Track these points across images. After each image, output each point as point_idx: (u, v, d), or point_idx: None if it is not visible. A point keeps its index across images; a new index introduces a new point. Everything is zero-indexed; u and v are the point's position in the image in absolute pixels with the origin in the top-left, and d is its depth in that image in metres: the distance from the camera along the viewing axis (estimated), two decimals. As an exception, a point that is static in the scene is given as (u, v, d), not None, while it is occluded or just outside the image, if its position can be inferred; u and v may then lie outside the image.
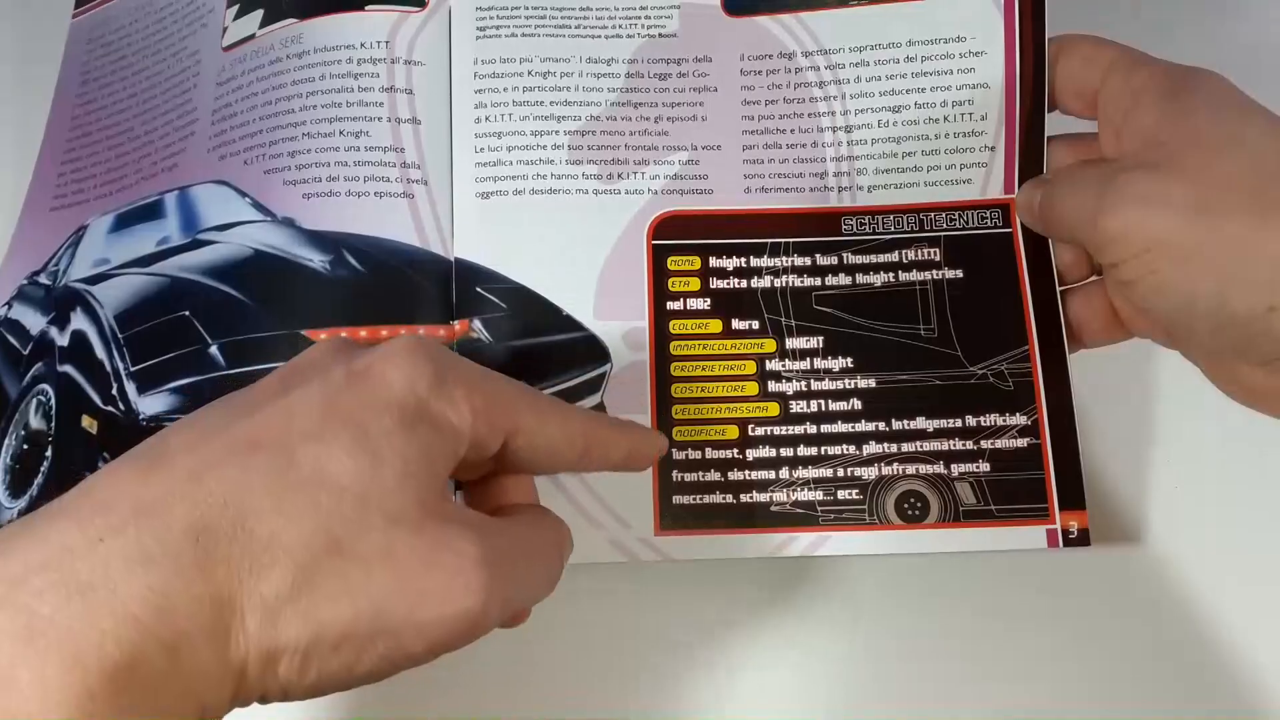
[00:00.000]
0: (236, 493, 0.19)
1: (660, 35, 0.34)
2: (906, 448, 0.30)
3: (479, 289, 0.31)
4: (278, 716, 0.29)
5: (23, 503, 0.32)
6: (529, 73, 0.33)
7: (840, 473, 0.30)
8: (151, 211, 0.35)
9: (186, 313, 0.32)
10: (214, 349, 0.31)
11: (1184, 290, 0.24)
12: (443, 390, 0.22)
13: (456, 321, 0.31)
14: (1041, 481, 0.29)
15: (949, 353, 0.30)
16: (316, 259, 0.32)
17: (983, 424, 0.30)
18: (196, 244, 0.33)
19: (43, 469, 0.32)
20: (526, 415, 0.23)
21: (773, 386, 0.30)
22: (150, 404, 0.31)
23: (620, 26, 0.34)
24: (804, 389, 0.30)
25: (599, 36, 0.34)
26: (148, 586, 0.18)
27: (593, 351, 0.31)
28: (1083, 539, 0.28)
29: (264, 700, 0.20)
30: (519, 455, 0.24)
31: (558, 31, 0.34)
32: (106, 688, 0.17)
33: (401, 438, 0.21)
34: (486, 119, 0.33)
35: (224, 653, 0.19)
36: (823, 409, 0.30)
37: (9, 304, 0.35)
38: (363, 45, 0.34)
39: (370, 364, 0.22)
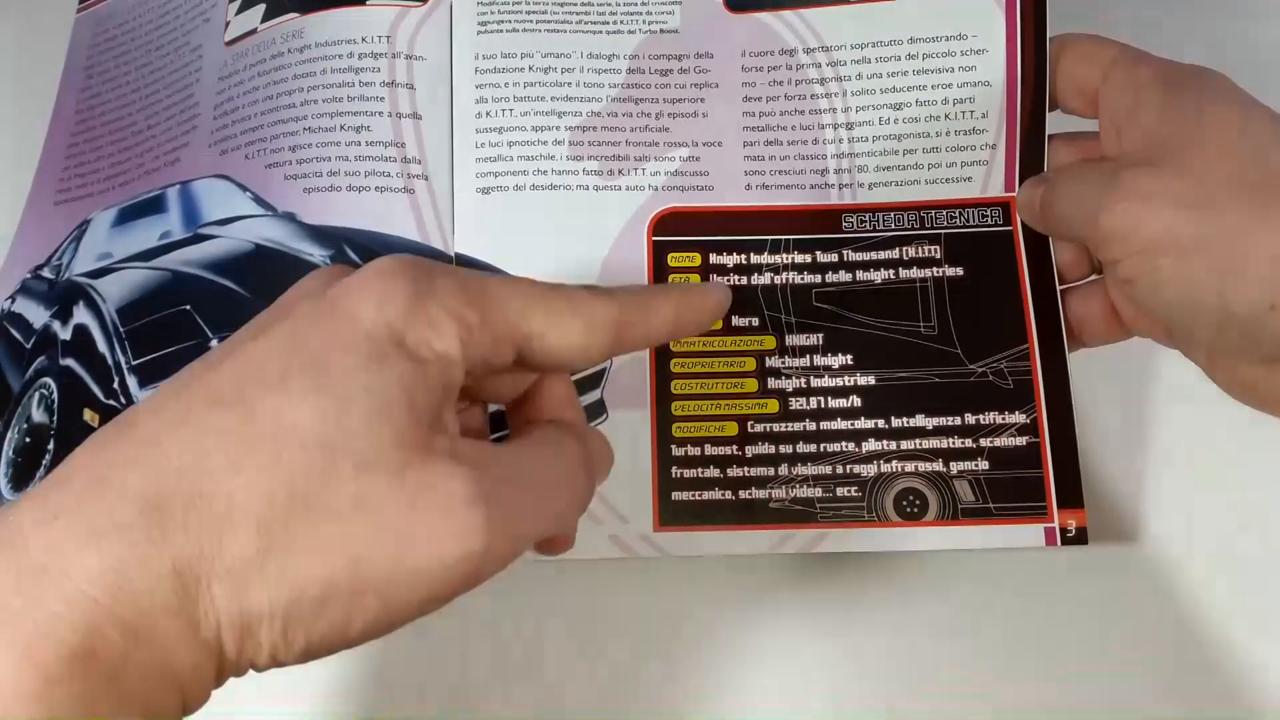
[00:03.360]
0: (194, 455, 0.17)
1: (662, 31, 0.32)
2: (906, 445, 0.28)
3: None
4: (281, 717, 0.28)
5: (24, 496, 0.31)
6: (530, 68, 0.32)
7: (839, 470, 0.28)
8: (153, 206, 0.34)
9: (188, 307, 0.31)
10: (215, 343, 0.30)
11: (1185, 288, 0.23)
12: (420, 313, 0.19)
13: None
14: (1040, 480, 0.28)
15: (949, 350, 0.29)
16: (317, 254, 0.30)
17: (982, 422, 0.28)
18: (198, 238, 0.32)
19: (44, 462, 0.31)
20: (535, 317, 0.21)
21: (772, 383, 0.29)
22: (151, 398, 0.30)
23: (622, 22, 0.32)
24: (803, 386, 0.29)
25: (600, 32, 0.32)
26: (99, 563, 0.16)
27: None
28: (1080, 538, 0.27)
29: (256, 669, 0.18)
30: (541, 361, 0.21)
31: (559, 27, 0.32)
32: (64, 673, 0.16)
33: (369, 374, 0.18)
34: (487, 114, 0.31)
35: (193, 628, 0.17)
36: (822, 406, 0.29)
37: (13, 298, 0.33)
38: (364, 40, 0.32)
39: (339, 295, 0.19)
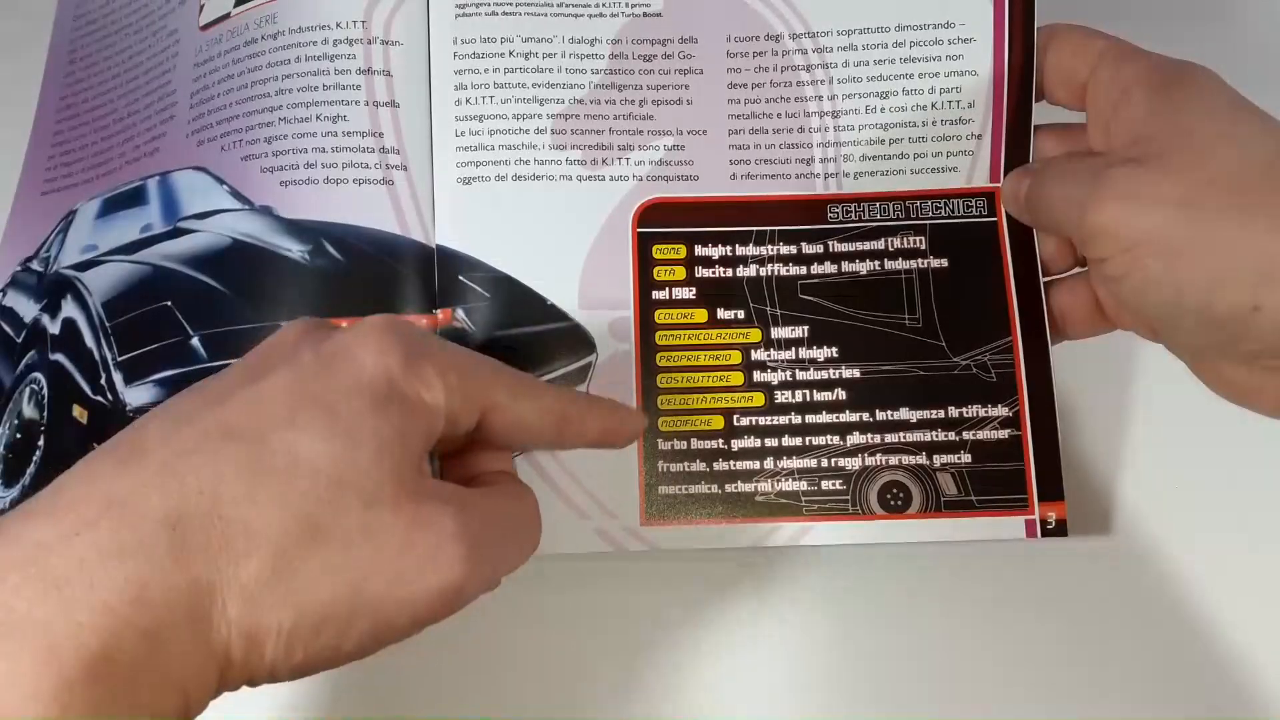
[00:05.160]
0: (211, 481, 0.18)
1: (645, 15, 0.31)
2: (890, 438, 0.28)
3: (461, 277, 0.29)
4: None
5: (15, 492, 0.30)
6: (510, 53, 0.30)
7: (824, 463, 0.28)
8: (135, 198, 0.32)
9: (169, 303, 0.30)
10: (195, 340, 0.29)
11: (1170, 287, 0.23)
12: (414, 369, 0.21)
13: (439, 310, 0.29)
14: (1021, 473, 0.27)
15: (933, 343, 0.28)
16: (295, 249, 0.29)
17: (965, 415, 0.28)
18: (177, 232, 0.31)
19: (35, 458, 0.30)
20: (501, 392, 0.23)
21: (758, 376, 0.28)
22: (136, 395, 0.30)
23: (603, 5, 0.30)
24: (789, 379, 0.28)
25: (581, 16, 0.30)
26: (124, 578, 0.17)
27: (578, 342, 0.29)
28: (1060, 530, 0.27)
29: (252, 683, 0.19)
30: (495, 431, 0.23)
31: (540, 10, 0.31)
32: (84, 678, 0.16)
33: (375, 418, 0.20)
34: (467, 101, 0.30)
35: (206, 639, 0.18)
36: (807, 399, 0.28)
37: (3, 291, 0.32)
38: (338, 25, 0.31)
39: (340, 346, 0.21)
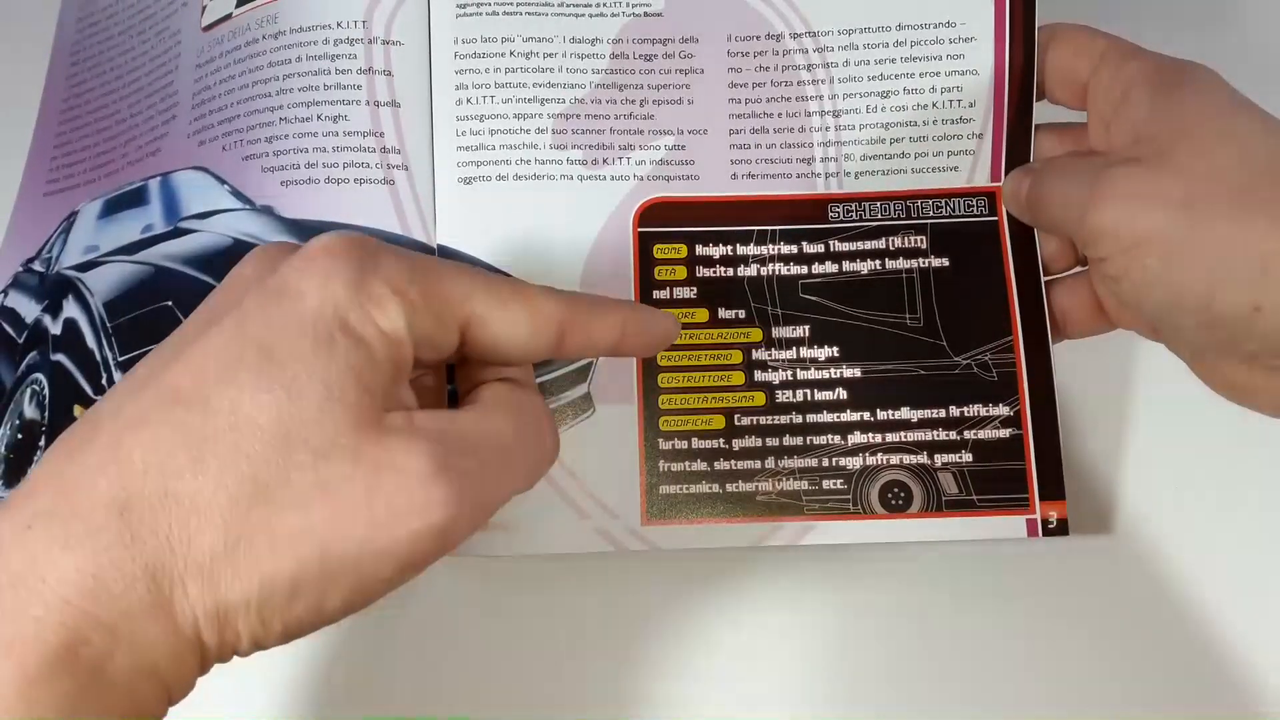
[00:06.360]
0: (157, 456, 0.17)
1: (645, 14, 0.31)
2: (891, 438, 0.27)
3: None
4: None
5: (17, 493, 0.30)
6: (511, 53, 0.30)
7: (825, 462, 0.28)
8: (136, 198, 0.32)
9: (170, 303, 0.30)
10: None
11: (1170, 287, 0.22)
12: (364, 293, 0.19)
13: None
14: (1023, 472, 0.27)
15: (934, 343, 0.28)
16: None
17: (966, 414, 0.27)
18: (178, 232, 0.31)
19: (36, 459, 0.30)
20: (481, 302, 0.20)
21: (759, 376, 0.28)
22: (138, 395, 0.30)
23: (604, 4, 0.30)
24: (790, 379, 0.28)
25: (582, 15, 0.30)
26: (75, 569, 0.16)
27: None
28: (1061, 529, 0.27)
29: (240, 655, 0.18)
30: (482, 346, 0.21)
31: (540, 9, 0.30)
32: (46, 674, 0.16)
33: (318, 360, 0.18)
34: (468, 101, 0.30)
35: (172, 624, 0.17)
36: (808, 399, 0.28)
37: (5, 292, 0.32)
38: (339, 25, 0.30)
39: (282, 279, 0.19)
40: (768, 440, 0.28)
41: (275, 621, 0.18)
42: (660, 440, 0.28)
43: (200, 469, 0.17)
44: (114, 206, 0.32)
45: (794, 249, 0.29)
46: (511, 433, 0.21)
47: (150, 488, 0.17)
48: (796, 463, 0.28)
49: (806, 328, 0.29)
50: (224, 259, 0.30)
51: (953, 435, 0.28)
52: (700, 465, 0.28)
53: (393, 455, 0.18)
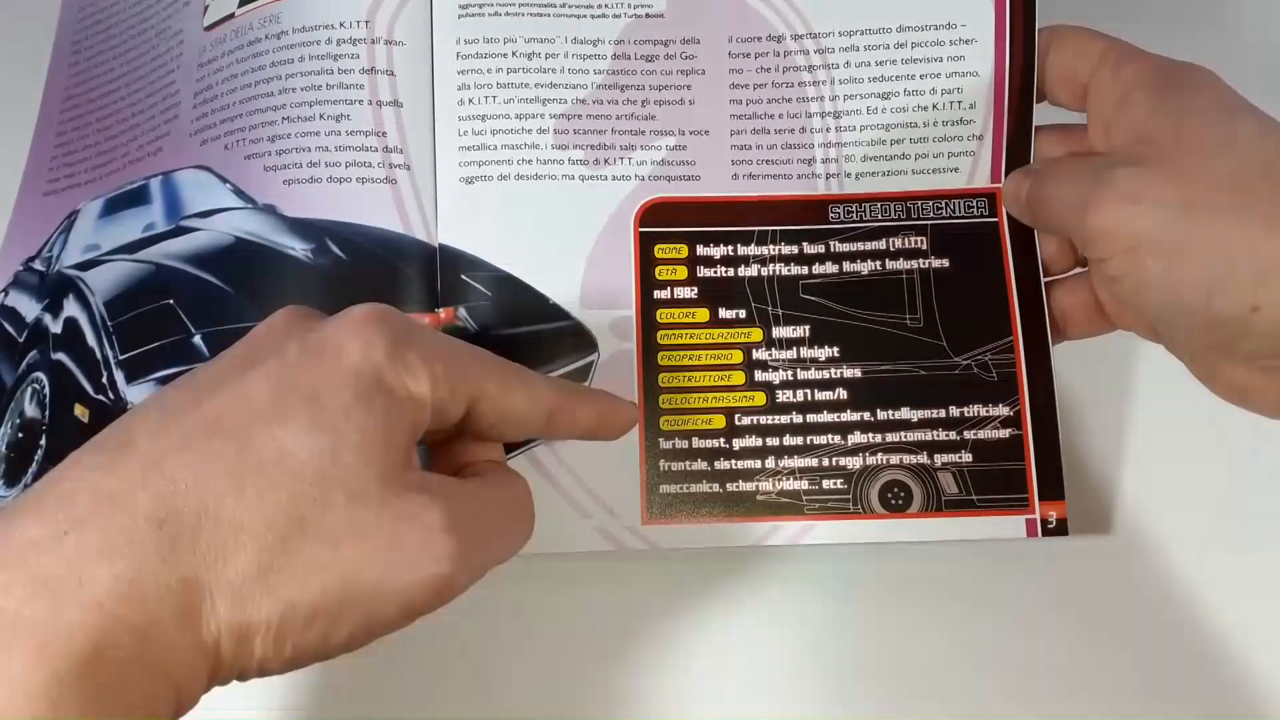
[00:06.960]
0: (198, 478, 0.18)
1: (647, 15, 0.30)
2: (891, 438, 0.27)
3: (464, 276, 0.29)
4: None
5: (17, 491, 0.30)
6: (513, 53, 0.30)
7: (825, 462, 0.28)
8: (137, 197, 0.32)
9: (171, 301, 0.30)
10: (197, 339, 0.29)
11: (1170, 288, 0.22)
12: (400, 358, 0.21)
13: (441, 309, 0.28)
14: (1022, 472, 0.27)
15: (934, 343, 0.28)
16: (298, 247, 0.29)
17: (966, 414, 0.27)
18: (179, 231, 0.31)
19: (37, 457, 0.30)
20: (490, 381, 0.22)
21: (759, 376, 0.28)
22: (138, 393, 0.29)
23: (606, 5, 0.30)
24: (790, 379, 0.28)
25: (584, 16, 0.30)
26: (113, 575, 0.17)
27: (581, 341, 0.28)
28: (1061, 529, 0.27)
29: (242, 677, 0.19)
30: (484, 422, 0.23)
31: (543, 10, 0.30)
32: (75, 675, 0.16)
33: (359, 411, 0.19)
34: (470, 101, 0.30)
35: (196, 635, 0.18)
36: (809, 399, 0.28)
37: (5, 291, 0.32)
38: (342, 25, 0.30)
39: (326, 337, 0.21)
40: (768, 440, 0.28)
41: (287, 646, 0.19)
42: (661, 440, 0.28)
43: (241, 495, 0.18)
44: (115, 205, 0.32)
45: (794, 249, 0.29)
46: (506, 507, 0.23)
47: (190, 506, 0.18)
48: (797, 462, 0.28)
49: (807, 328, 0.29)
50: (226, 257, 0.30)
51: (952, 435, 0.28)
52: (701, 465, 0.28)
53: (412, 507, 0.20)
